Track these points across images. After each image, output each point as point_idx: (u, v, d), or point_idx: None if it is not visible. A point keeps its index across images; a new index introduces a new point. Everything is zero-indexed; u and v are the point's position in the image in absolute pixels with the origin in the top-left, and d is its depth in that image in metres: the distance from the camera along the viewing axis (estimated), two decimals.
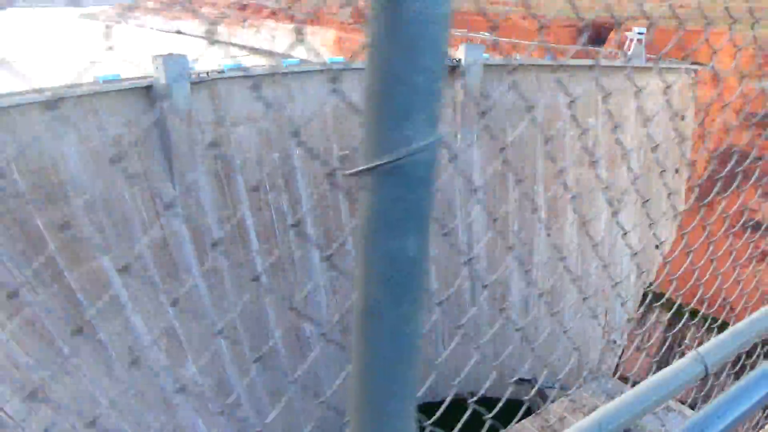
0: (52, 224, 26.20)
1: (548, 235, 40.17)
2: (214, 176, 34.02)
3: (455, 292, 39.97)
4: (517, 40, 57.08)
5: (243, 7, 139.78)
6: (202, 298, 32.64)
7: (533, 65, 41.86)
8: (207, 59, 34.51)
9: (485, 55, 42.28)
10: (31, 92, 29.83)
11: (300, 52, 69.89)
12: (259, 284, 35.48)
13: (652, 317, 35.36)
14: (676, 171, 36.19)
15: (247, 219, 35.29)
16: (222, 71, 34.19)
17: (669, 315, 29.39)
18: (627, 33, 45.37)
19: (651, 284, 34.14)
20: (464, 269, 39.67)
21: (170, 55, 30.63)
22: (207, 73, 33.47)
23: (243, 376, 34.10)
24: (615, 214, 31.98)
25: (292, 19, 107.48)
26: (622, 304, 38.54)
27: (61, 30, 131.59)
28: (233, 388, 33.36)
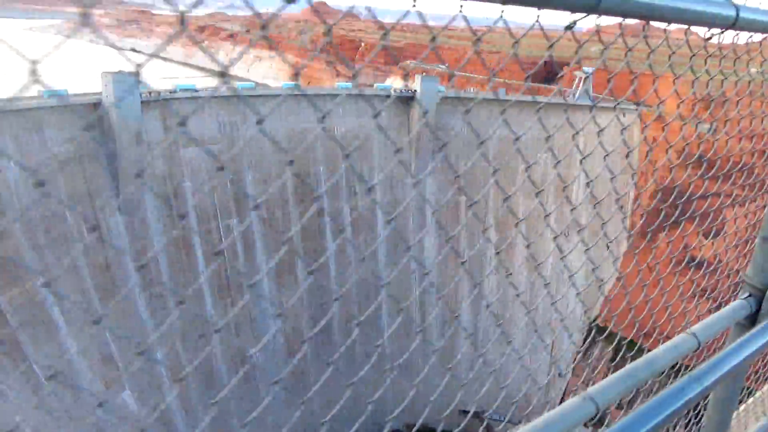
0: None
1: (498, 270, 40.71)
2: (163, 198, 33.14)
3: (403, 323, 39.88)
4: (471, 75, 58.51)
5: (201, 29, 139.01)
6: (143, 323, 31.43)
7: (486, 99, 42.88)
8: (160, 79, 33.82)
9: (441, 87, 43.09)
10: None
11: (253, 75, 69.53)
12: (203, 308, 34.47)
13: (596, 350, 36.06)
14: (621, 207, 37.47)
15: (195, 242, 34.41)
16: (174, 91, 33.62)
17: (612, 346, 30.04)
18: (575, 72, 47.19)
19: (595, 318, 34.89)
20: (414, 292, 39.65)
21: (120, 72, 29.91)
22: (159, 92, 32.84)
23: (184, 404, 32.84)
24: (565, 234, 32.77)
25: (249, 42, 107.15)
26: (570, 336, 39.21)
27: (2, 42, 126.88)
28: (173, 415, 32.04)
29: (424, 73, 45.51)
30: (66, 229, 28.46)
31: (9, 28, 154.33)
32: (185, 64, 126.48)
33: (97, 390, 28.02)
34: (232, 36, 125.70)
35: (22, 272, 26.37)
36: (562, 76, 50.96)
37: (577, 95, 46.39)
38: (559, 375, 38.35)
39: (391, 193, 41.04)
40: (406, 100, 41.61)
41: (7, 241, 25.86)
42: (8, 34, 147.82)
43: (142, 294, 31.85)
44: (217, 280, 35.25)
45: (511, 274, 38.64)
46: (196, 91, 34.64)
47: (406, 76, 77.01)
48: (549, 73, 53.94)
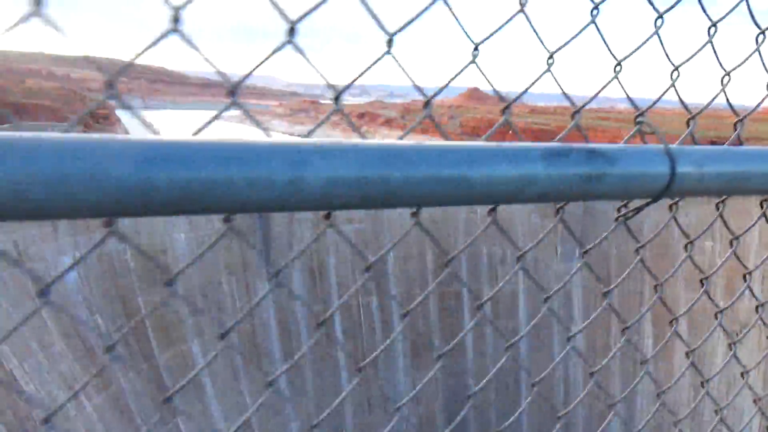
0: (152, 305, 27.59)
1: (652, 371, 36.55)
2: (308, 272, 34.74)
3: (545, 419, 36.90)
4: None
5: (361, 116, 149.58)
6: (281, 392, 32.35)
7: None
8: None
9: None
10: None
11: None
12: (339, 381, 34.77)
13: None
14: None
15: (335, 318, 35.33)
16: None
17: None
18: None
19: None
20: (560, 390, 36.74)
21: None
22: None
23: None
24: (732, 346, 28.53)
25: (403, 127, 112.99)
26: None
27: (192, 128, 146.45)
28: None
29: None
30: (221, 296, 30.77)
31: (201, 117, 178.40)
32: None
33: None
34: (388, 121, 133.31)
35: (180, 335, 28.72)
36: None
37: None
38: None
39: (535, 275, 39.26)
40: None
41: (171, 307, 28.48)
42: (197, 122, 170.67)
43: (282, 364, 33.02)
44: (354, 356, 35.59)
45: (663, 391, 34.38)
46: None
47: None
48: None
